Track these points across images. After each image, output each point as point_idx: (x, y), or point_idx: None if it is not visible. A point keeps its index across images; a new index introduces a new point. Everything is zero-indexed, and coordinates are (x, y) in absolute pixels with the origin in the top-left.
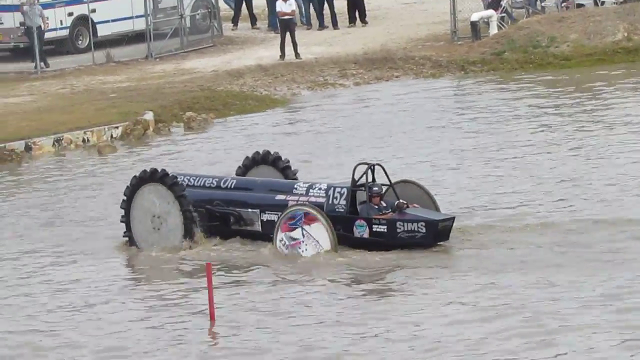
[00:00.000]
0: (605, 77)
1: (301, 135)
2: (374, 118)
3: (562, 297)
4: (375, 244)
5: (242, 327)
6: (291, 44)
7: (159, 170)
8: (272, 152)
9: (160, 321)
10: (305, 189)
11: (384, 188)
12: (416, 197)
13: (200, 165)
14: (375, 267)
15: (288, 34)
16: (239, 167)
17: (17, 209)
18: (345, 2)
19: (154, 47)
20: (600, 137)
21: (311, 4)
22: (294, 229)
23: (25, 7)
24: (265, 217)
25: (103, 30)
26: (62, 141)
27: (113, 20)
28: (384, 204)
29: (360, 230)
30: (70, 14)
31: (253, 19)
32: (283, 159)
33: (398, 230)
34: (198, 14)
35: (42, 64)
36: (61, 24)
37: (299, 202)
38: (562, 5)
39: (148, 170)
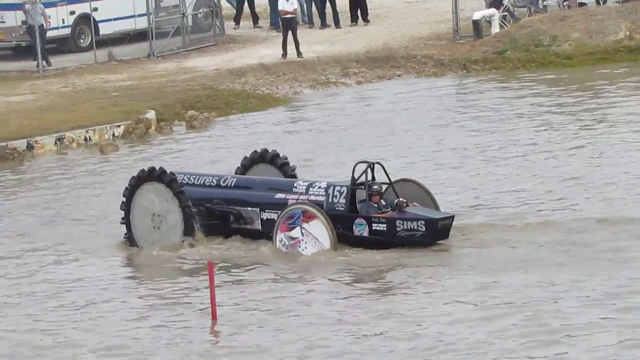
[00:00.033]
0: (607, 76)
1: (303, 134)
2: (375, 117)
3: (563, 296)
4: (374, 242)
5: (243, 326)
6: (293, 43)
7: (157, 169)
8: (269, 150)
9: (161, 320)
10: (305, 187)
11: (384, 187)
12: (416, 196)
13: (202, 164)
14: (376, 266)
15: (290, 33)
16: (238, 167)
17: (18, 208)
18: (347, 1)
19: (156, 45)
20: (602, 136)
21: (313, 3)
22: (292, 228)
23: (27, 6)
24: (265, 215)
25: (105, 29)
26: (64, 140)
27: (115, 19)
28: (384, 203)
29: (360, 228)
30: (72, 13)
31: (255, 17)
32: (281, 155)
33: (397, 229)
34: (200, 13)
35: (44, 62)
36: (63, 22)
37: (299, 200)
38: (564, 4)
39: (146, 170)
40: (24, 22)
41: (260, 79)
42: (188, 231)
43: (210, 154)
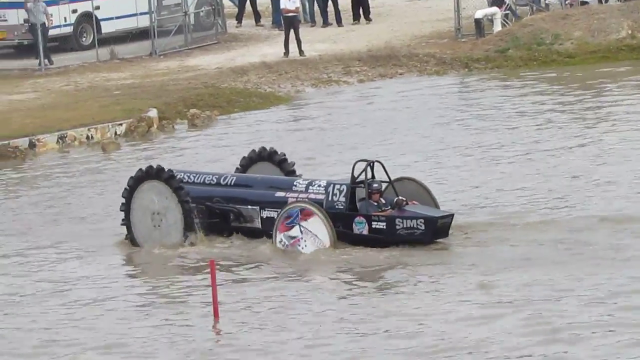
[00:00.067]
0: (609, 75)
1: (305, 133)
2: (377, 115)
3: (564, 294)
4: (374, 240)
5: (245, 324)
6: (295, 41)
7: (154, 167)
8: (267, 148)
9: (163, 318)
10: (304, 186)
11: (384, 185)
12: (415, 194)
13: (204, 163)
14: (376, 264)
15: (292, 31)
16: (237, 168)
17: (20, 206)
18: (349, 0)
19: (158, 44)
20: (604, 135)
21: (315, 1)
22: (291, 228)
23: (29, 4)
24: (265, 214)
25: (107, 27)
26: (66, 138)
27: (117, 17)
28: (383, 201)
29: (360, 227)
30: (74, 11)
31: (257, 16)
32: (279, 152)
33: (397, 227)
34: (202, 11)
35: (46, 61)
36: (65, 21)
37: (299, 199)
38: (566, 2)
39: (143, 169)
40: (26, 21)
41: (262, 78)
42: (188, 227)
43: (212, 152)
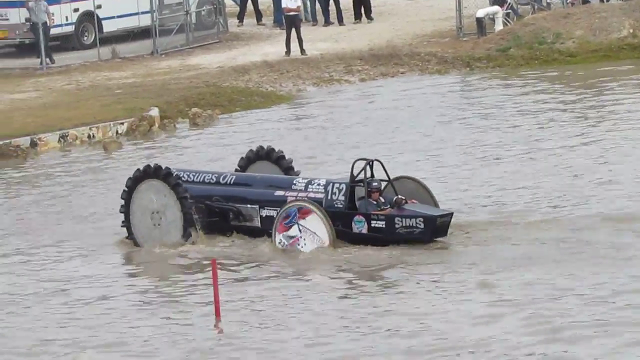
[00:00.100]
0: (611, 74)
1: (306, 131)
2: (379, 114)
3: (565, 293)
4: (373, 239)
5: (247, 323)
6: (297, 40)
7: (152, 166)
8: (264, 147)
9: (164, 317)
10: (304, 184)
11: (383, 184)
12: (415, 193)
13: (206, 162)
14: (377, 264)
15: (294, 30)
16: (236, 169)
17: (22, 205)
18: None
19: (159, 43)
20: (605, 134)
21: (317, 0)
22: (290, 227)
23: (30, 3)
24: (265, 212)
25: (109, 26)
26: (68, 137)
27: (119, 16)
28: (383, 200)
29: (359, 225)
30: (76, 10)
31: (258, 15)
32: (276, 150)
33: (396, 226)
34: (203, 10)
35: (47, 60)
36: (67, 20)
37: (298, 197)
38: (568, 1)
39: (141, 169)
40: (27, 20)
41: (264, 77)
42: (187, 224)
43: (213, 151)
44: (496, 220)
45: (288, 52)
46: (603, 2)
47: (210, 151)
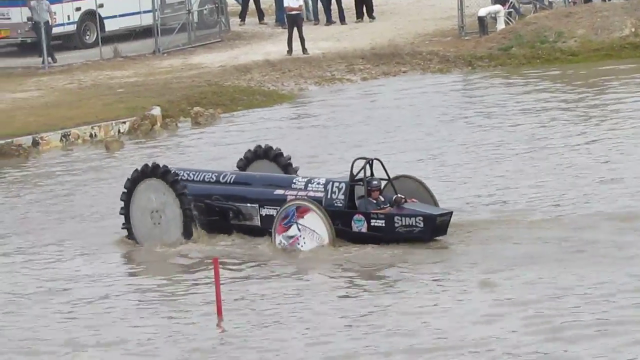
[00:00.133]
0: (613, 73)
1: (308, 130)
2: (380, 113)
3: (567, 292)
4: (373, 238)
5: (247, 322)
6: (299, 39)
7: (149, 165)
8: (262, 146)
9: (166, 316)
10: (303, 183)
11: (383, 183)
12: (414, 192)
13: (207, 161)
14: (378, 263)
15: (295, 29)
16: (235, 169)
17: (24, 204)
18: None
19: (161, 42)
20: (608, 133)
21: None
22: (289, 227)
23: (32, 2)
24: (264, 211)
25: (110, 25)
26: (70, 136)
27: (121, 15)
28: (382, 199)
29: (359, 224)
30: (78, 9)
31: (260, 14)
32: (274, 148)
33: (396, 225)
34: (205, 9)
35: (49, 59)
36: (69, 19)
37: (297, 196)
38: (570, 0)
39: (139, 169)
40: (29, 19)
41: (266, 76)
42: (187, 220)
43: (215, 150)
44: (498, 219)
45: (290, 51)
46: (605, 1)
47: (212, 150)
